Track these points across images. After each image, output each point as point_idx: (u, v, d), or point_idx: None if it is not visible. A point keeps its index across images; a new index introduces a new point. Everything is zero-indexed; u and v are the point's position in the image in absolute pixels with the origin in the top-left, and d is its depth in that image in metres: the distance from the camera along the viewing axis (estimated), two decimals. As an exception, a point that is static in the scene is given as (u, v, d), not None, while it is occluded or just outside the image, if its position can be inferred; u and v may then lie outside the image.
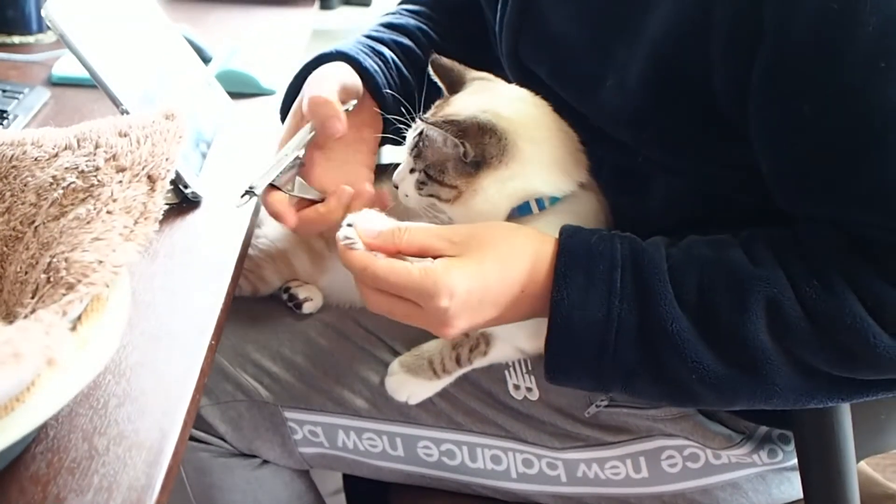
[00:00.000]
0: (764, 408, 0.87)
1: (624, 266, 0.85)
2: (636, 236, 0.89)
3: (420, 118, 0.95)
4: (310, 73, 1.07)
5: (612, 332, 0.84)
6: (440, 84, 1.03)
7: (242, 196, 0.93)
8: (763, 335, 0.81)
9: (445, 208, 0.95)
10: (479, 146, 0.92)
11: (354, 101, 1.04)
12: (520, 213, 0.95)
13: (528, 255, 0.87)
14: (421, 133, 0.96)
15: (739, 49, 0.81)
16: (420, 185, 0.95)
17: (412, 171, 0.96)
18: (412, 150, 0.96)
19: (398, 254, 0.85)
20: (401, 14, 1.23)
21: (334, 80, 1.02)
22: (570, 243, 0.87)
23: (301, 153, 0.99)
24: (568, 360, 0.87)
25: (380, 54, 1.11)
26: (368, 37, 1.15)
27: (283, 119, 1.10)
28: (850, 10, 0.75)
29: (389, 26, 1.19)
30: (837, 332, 0.79)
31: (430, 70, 1.04)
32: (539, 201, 0.95)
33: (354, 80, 1.05)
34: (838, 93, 0.78)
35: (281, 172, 0.96)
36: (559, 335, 0.86)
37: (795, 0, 0.77)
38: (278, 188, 0.97)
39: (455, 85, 1.02)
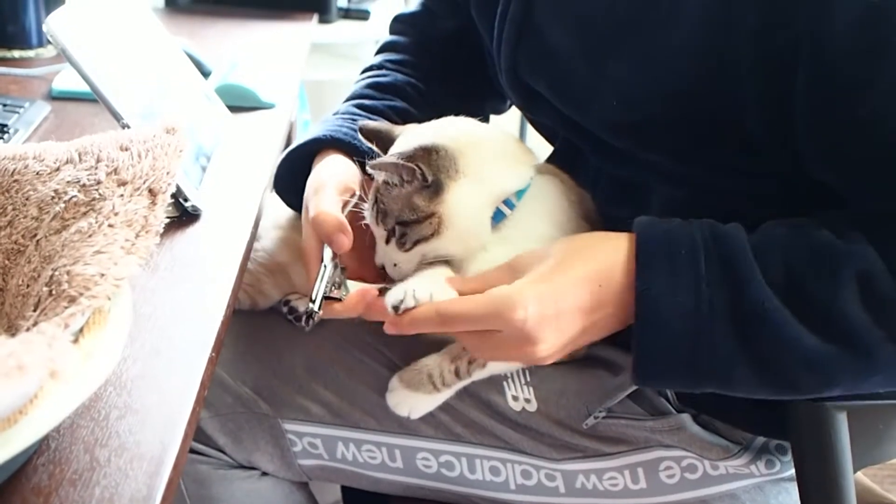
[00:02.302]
0: (866, 390, 0.86)
1: (707, 249, 0.84)
2: (711, 220, 0.87)
3: (368, 164, 0.96)
4: (301, 154, 1.08)
5: (706, 320, 0.82)
6: (374, 148, 1.04)
7: (307, 323, 0.93)
8: (858, 310, 0.80)
9: (436, 245, 0.95)
10: (433, 165, 0.94)
11: (357, 196, 1.01)
12: (495, 220, 0.96)
13: (595, 252, 0.87)
14: (376, 199, 0.97)
15: (772, 60, 0.82)
16: (401, 241, 0.95)
17: (387, 241, 0.97)
18: (375, 219, 0.97)
19: None
20: (387, 70, 1.23)
21: (332, 186, 1.01)
22: (648, 232, 0.86)
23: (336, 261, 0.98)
24: (661, 355, 0.84)
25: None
26: (361, 107, 1.15)
27: (279, 192, 1.12)
28: (888, 8, 0.76)
29: (379, 87, 1.19)
30: None
31: (361, 138, 1.05)
32: (507, 202, 0.96)
33: (352, 172, 1.05)
34: (885, 92, 0.78)
35: (329, 284, 0.95)
36: (649, 329, 0.83)
37: (830, 5, 0.77)
38: (334, 298, 0.95)
39: (387, 144, 1.03)
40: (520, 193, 0.97)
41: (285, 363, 1.09)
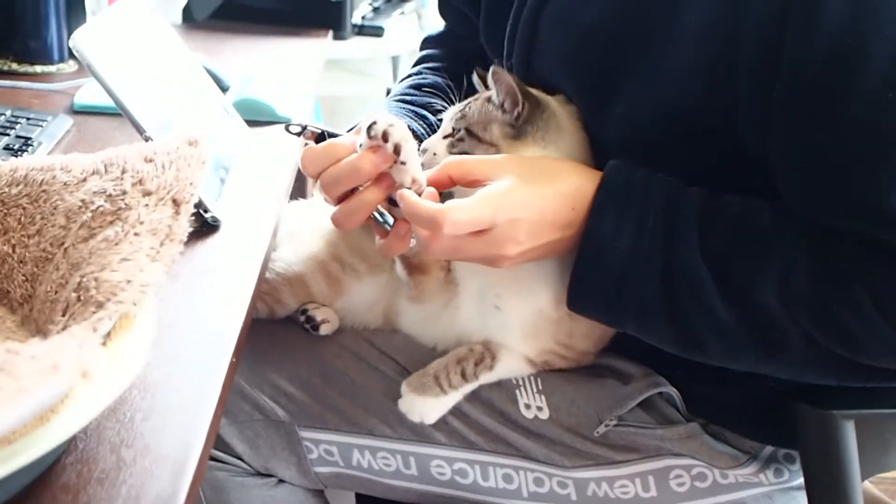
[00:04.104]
0: (765, 371, 0.92)
1: (658, 205, 0.90)
2: (677, 182, 0.92)
3: (492, 68, 1.00)
4: None
5: (635, 264, 0.90)
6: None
7: (297, 133, 0.97)
8: (773, 299, 0.85)
9: None
10: (534, 114, 0.99)
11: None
12: None
13: (575, 178, 0.94)
14: (468, 103, 1.03)
15: (764, 82, 0.85)
16: (455, 143, 1.01)
17: (447, 136, 1.03)
18: (459, 112, 1.03)
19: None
20: (425, 74, 1.28)
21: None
22: (613, 176, 0.93)
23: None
24: (590, 287, 0.93)
25: (423, 118, 1.15)
26: (404, 101, 1.19)
27: None
28: (861, 44, 0.79)
29: (419, 87, 1.23)
30: (840, 315, 0.83)
31: (475, 78, 1.11)
32: None
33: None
34: (848, 123, 0.81)
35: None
36: (586, 262, 0.92)
37: (811, 34, 0.80)
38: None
39: None
40: None
41: (302, 371, 1.11)
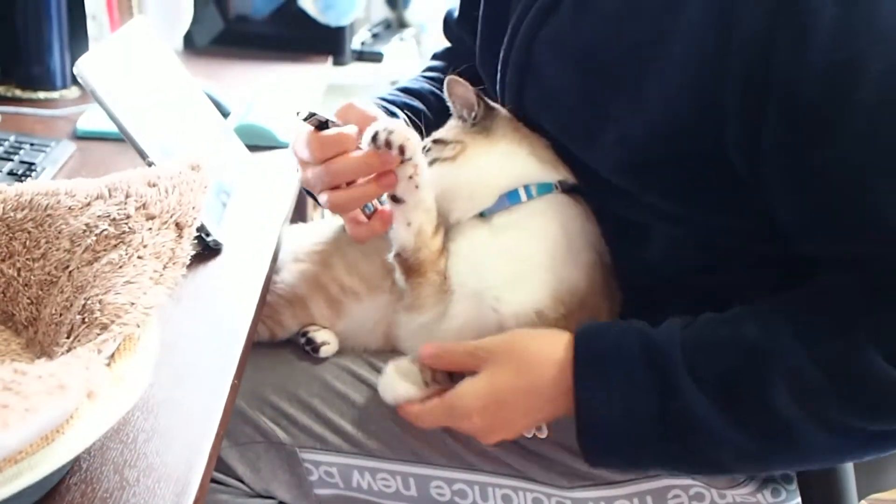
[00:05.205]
0: (801, 468, 0.95)
1: (639, 362, 0.91)
2: (647, 326, 0.94)
3: (449, 77, 1.09)
4: None
5: (641, 424, 0.91)
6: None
7: (305, 118, 1.03)
8: (789, 406, 0.85)
9: (445, 168, 1.06)
10: (488, 117, 1.07)
11: None
12: (509, 200, 1.04)
13: (543, 360, 0.96)
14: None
15: (751, 102, 0.85)
16: (425, 154, 1.06)
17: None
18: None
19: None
20: (417, 80, 1.32)
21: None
22: (586, 344, 0.95)
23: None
24: (604, 455, 0.97)
25: (394, 115, 1.16)
26: (383, 99, 1.22)
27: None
28: (856, 59, 0.80)
29: (404, 90, 1.27)
30: (862, 390, 0.83)
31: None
32: (527, 189, 1.04)
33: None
34: (848, 138, 0.82)
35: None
36: (590, 435, 0.95)
37: (802, 53, 0.81)
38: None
39: None
40: (541, 188, 1.04)
41: (303, 393, 1.12)
